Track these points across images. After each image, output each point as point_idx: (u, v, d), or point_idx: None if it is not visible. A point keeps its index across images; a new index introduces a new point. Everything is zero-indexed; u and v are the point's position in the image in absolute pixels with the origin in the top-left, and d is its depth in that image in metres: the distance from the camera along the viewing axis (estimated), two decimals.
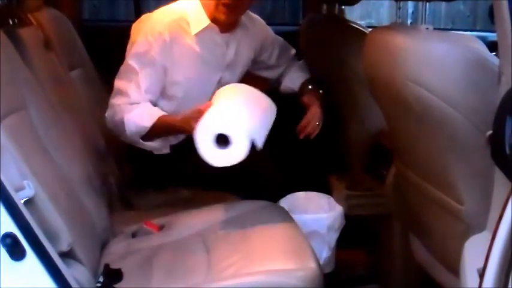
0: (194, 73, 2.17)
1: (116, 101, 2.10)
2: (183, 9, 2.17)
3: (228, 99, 1.94)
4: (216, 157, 1.76)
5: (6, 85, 1.45)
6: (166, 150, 2.15)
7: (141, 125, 2.06)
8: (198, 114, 1.84)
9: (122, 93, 2.10)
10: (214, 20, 2.15)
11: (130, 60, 2.10)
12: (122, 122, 2.06)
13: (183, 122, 1.96)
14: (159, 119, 2.07)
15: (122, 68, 2.13)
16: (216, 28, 2.18)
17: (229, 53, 2.25)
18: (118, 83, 2.12)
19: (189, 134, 1.86)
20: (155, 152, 2.13)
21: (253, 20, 2.37)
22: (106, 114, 2.13)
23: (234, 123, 1.75)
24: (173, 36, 2.11)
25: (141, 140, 2.09)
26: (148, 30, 2.12)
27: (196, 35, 2.15)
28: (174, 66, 2.12)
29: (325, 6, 2.93)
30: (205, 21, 2.15)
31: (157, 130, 2.08)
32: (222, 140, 1.74)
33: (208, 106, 1.87)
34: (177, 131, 2.09)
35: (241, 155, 1.75)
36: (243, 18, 2.29)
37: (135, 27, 2.22)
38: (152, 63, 2.10)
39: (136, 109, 2.07)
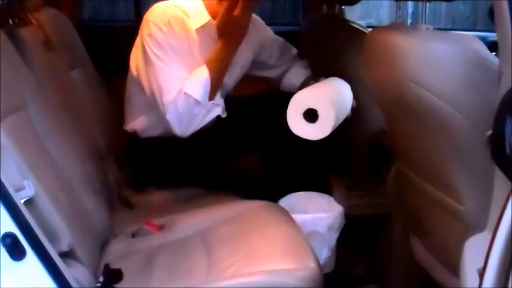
0: (194, 67, 2.18)
1: (167, 97, 2.06)
2: (184, 5, 2.18)
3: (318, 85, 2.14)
4: (303, 130, 1.93)
5: (6, 85, 1.45)
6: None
7: (202, 80, 2.08)
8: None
9: (168, 86, 2.07)
10: (215, 16, 2.16)
11: (155, 55, 2.09)
12: (186, 95, 2.05)
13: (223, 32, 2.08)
14: (207, 63, 2.11)
15: (151, 67, 2.10)
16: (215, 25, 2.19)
17: None
18: (157, 81, 2.08)
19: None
20: (223, 115, 2.15)
21: (253, 20, 2.37)
22: (168, 117, 2.06)
23: (323, 99, 1.92)
24: (178, 27, 2.13)
25: (211, 104, 2.09)
26: (158, 20, 2.11)
27: (197, 30, 2.16)
28: (186, 55, 2.13)
29: (325, 6, 2.93)
30: (206, 17, 2.16)
31: (215, 74, 2.10)
32: (311, 115, 1.90)
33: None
34: (227, 49, 2.12)
35: (326, 131, 1.92)
36: None
37: (145, 29, 2.21)
38: (174, 49, 2.10)
39: (185, 81, 2.08)
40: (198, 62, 2.16)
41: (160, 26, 2.10)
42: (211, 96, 2.10)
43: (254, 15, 2.41)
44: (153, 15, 2.14)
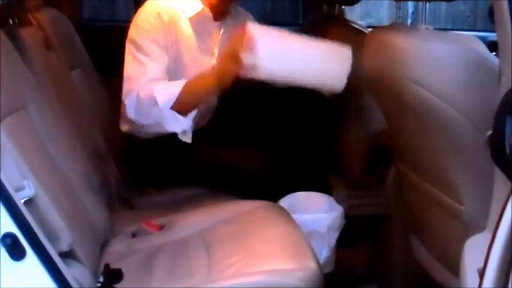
0: (189, 57, 2.18)
1: (131, 85, 2.04)
2: (177, 2, 2.18)
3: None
4: None
5: (6, 85, 1.45)
6: (190, 137, 2.04)
7: (171, 91, 1.99)
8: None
9: (136, 74, 2.06)
10: (209, 5, 2.17)
11: (135, 44, 2.09)
12: (151, 96, 1.98)
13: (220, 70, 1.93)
14: (187, 82, 2.02)
15: (127, 57, 2.11)
16: (209, 14, 2.20)
17: (221, 40, 2.27)
18: (128, 69, 2.09)
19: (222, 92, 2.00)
20: (181, 137, 2.02)
21: (242, 12, 2.39)
22: (126, 102, 2.04)
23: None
24: (170, 18, 2.13)
25: (172, 114, 1.98)
26: (147, 13, 2.12)
27: (190, 19, 2.17)
28: (172, 49, 2.14)
29: (325, 6, 2.93)
30: (199, 6, 2.18)
31: (188, 95, 2.00)
32: None
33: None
34: (209, 86, 2.01)
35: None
36: (233, 10, 2.31)
37: (133, 21, 2.22)
38: (156, 43, 2.09)
39: (160, 82, 2.03)
40: (190, 50, 2.17)
41: (149, 18, 2.11)
42: (176, 108, 2.00)
43: (243, 10, 2.43)
44: (144, 9, 2.16)
